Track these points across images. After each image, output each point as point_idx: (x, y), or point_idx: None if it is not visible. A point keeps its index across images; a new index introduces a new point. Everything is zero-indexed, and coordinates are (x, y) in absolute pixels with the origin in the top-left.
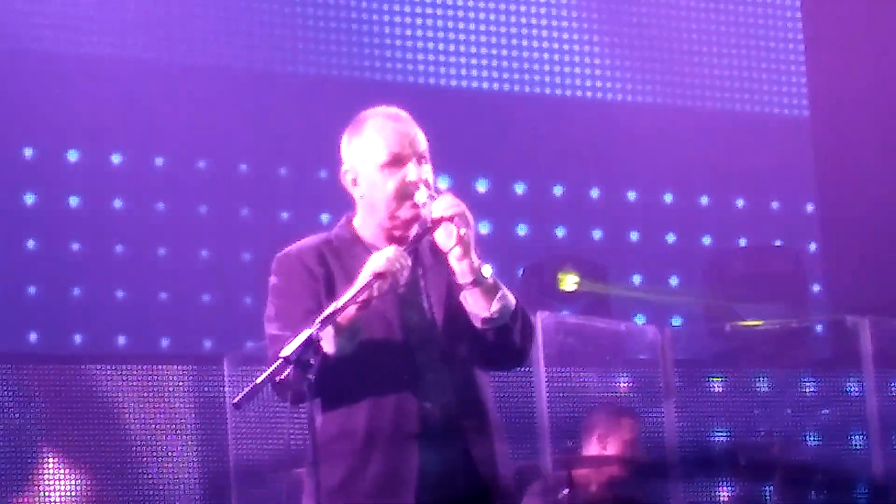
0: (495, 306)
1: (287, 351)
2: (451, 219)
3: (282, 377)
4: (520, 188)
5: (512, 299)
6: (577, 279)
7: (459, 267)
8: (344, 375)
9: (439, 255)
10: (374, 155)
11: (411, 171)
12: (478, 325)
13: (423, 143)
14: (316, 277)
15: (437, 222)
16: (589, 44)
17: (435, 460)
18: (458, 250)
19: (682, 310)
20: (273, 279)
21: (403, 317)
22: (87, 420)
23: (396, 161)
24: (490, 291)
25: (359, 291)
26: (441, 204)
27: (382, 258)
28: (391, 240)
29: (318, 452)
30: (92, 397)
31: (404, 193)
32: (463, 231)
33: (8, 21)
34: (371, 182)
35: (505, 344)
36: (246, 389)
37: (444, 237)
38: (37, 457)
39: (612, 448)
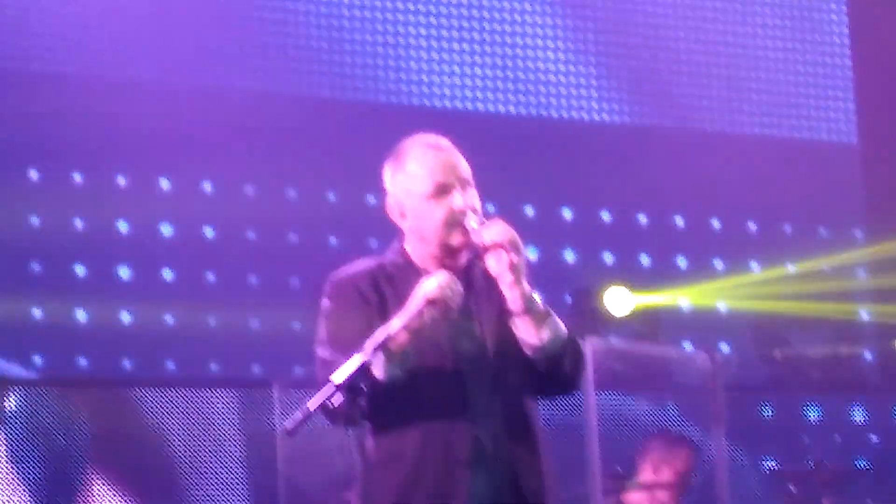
0: (546, 334)
1: (339, 376)
2: (501, 245)
3: (333, 403)
4: (567, 213)
5: (562, 327)
6: (627, 296)
7: (510, 294)
8: (395, 401)
9: (490, 282)
10: (419, 186)
11: (457, 199)
12: (528, 352)
13: (466, 169)
14: (368, 302)
15: (487, 249)
16: (638, 69)
17: (484, 487)
18: (508, 277)
19: (731, 336)
20: (325, 302)
21: (454, 343)
22: (134, 444)
23: (441, 190)
24: (541, 319)
25: (410, 317)
26: (492, 231)
27: (434, 284)
28: (443, 266)
29: (368, 477)
30: (139, 421)
31: (453, 221)
32: (514, 258)
33: (67, 44)
34: (418, 213)
35: (555, 371)
36: (298, 416)
37: (495, 264)
38: (84, 481)
39: (664, 476)
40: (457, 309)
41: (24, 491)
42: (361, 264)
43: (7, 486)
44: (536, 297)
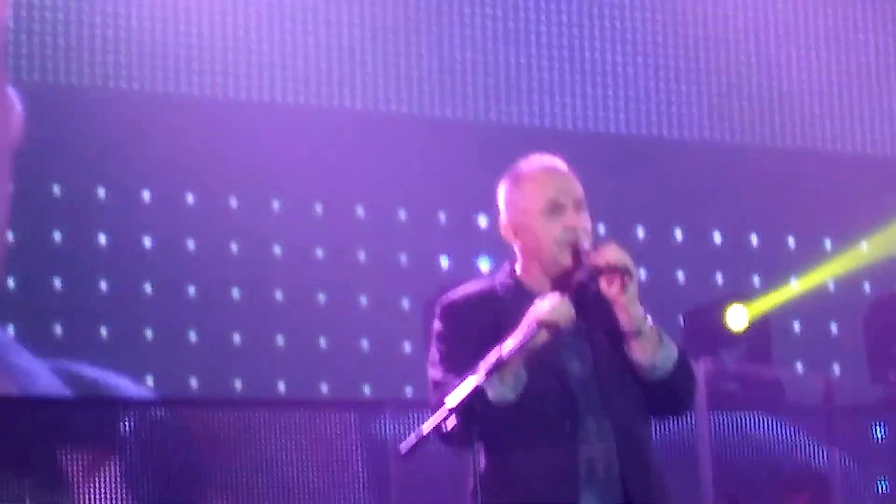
0: (658, 356)
1: (453, 400)
2: (615, 268)
3: (447, 426)
4: (678, 234)
5: (674, 348)
6: (745, 313)
7: (623, 316)
8: (507, 423)
9: (603, 303)
10: (535, 204)
11: (572, 219)
12: (641, 373)
13: (580, 190)
14: (481, 324)
15: (601, 271)
16: (746, 88)
17: None
18: (622, 300)
19: (843, 356)
20: (437, 324)
21: (566, 365)
22: (247, 465)
23: (557, 209)
24: (653, 341)
25: (523, 340)
26: (606, 254)
27: (546, 306)
28: (555, 288)
29: (481, 499)
30: (251, 442)
31: (567, 241)
32: (627, 280)
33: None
34: (532, 231)
35: (668, 393)
36: (413, 439)
37: (609, 286)
38: (198, 502)
39: None
40: (568, 331)
41: None
42: (473, 286)
43: None
44: (648, 319)
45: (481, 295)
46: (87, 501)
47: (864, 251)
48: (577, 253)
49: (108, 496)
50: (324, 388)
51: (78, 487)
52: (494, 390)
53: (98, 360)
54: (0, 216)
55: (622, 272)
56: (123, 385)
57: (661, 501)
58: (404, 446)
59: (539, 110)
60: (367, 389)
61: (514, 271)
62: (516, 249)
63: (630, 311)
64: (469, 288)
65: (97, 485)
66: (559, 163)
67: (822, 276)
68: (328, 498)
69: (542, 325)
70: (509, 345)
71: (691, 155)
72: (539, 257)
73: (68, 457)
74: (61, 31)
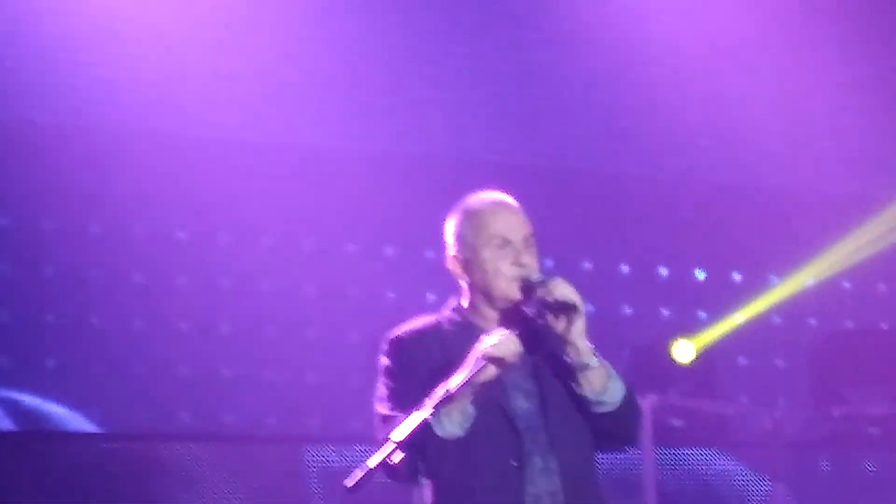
0: (606, 390)
1: (398, 434)
2: (563, 304)
3: (393, 460)
4: (624, 269)
5: (621, 383)
6: (691, 347)
7: (571, 351)
8: (453, 458)
9: (550, 339)
10: (484, 239)
11: (520, 255)
12: (588, 408)
13: (528, 226)
14: (427, 359)
15: (549, 306)
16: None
17: None
18: (570, 334)
19: (789, 392)
20: (383, 359)
21: (512, 401)
22: (191, 499)
23: (506, 245)
24: (600, 376)
25: (470, 375)
26: (555, 289)
27: (493, 342)
28: (502, 323)
29: None
30: (195, 476)
31: (515, 276)
32: (575, 315)
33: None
34: (481, 266)
35: (615, 426)
36: (359, 473)
37: (556, 322)
38: None
39: None
40: (515, 367)
41: None
42: (419, 321)
43: None
44: (596, 353)
45: (427, 330)
46: None
47: (803, 280)
48: (525, 288)
49: None
50: (270, 420)
51: None
52: (441, 426)
53: (42, 391)
54: None
55: (570, 308)
56: (65, 416)
57: None
58: (350, 480)
59: (487, 145)
60: (314, 422)
61: (461, 306)
62: (463, 284)
63: (578, 345)
64: (415, 323)
65: None
66: (509, 199)
67: (764, 305)
68: None
69: (488, 360)
70: (456, 380)
71: (638, 190)
72: (486, 292)
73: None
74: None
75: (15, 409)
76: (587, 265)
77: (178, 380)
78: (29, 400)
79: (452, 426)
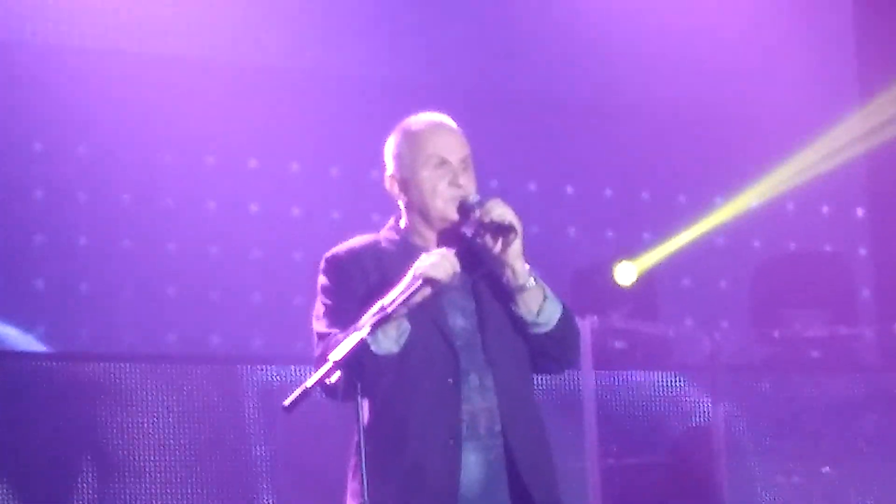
0: (543, 311)
1: (336, 353)
2: (500, 225)
3: (331, 379)
4: (570, 189)
5: (559, 303)
6: (634, 269)
7: (507, 272)
8: (391, 376)
9: (488, 259)
10: (422, 160)
11: (459, 176)
12: (525, 329)
13: (467, 147)
14: (365, 278)
15: (486, 227)
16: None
17: (477, 464)
18: (506, 255)
19: (731, 314)
20: (322, 278)
21: (449, 320)
22: (131, 419)
23: (444, 165)
24: (537, 296)
25: (405, 293)
26: (492, 210)
27: (429, 261)
28: (440, 243)
29: (364, 451)
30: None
31: (454, 197)
32: (512, 236)
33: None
34: (418, 186)
35: (551, 348)
36: (296, 392)
37: (493, 241)
38: (79, 457)
39: None
40: (452, 285)
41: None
42: (357, 241)
43: None
44: (533, 274)
45: (365, 249)
46: None
47: (747, 201)
48: (463, 208)
49: None
50: (213, 340)
51: None
52: (377, 343)
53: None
54: None
55: (507, 229)
56: (10, 335)
57: (543, 457)
58: (289, 399)
59: (432, 67)
60: (256, 342)
61: (399, 226)
62: (401, 204)
63: (514, 266)
64: (353, 242)
65: None
66: (448, 120)
67: (708, 226)
68: (213, 452)
69: (423, 279)
70: (392, 297)
71: (584, 112)
72: (424, 212)
73: None
74: None
75: None
76: (532, 186)
77: (122, 299)
78: None
79: (388, 342)
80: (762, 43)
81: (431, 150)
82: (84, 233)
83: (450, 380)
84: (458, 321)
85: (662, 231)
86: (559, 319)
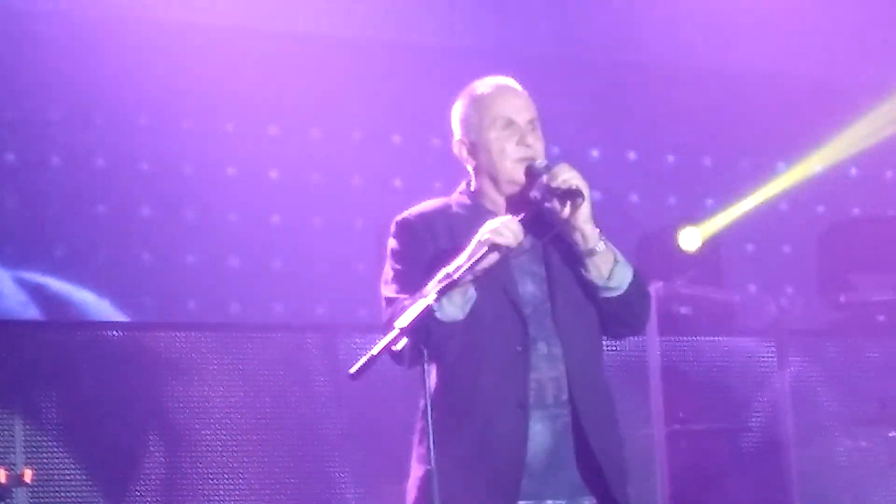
0: (614, 275)
1: (402, 321)
2: (568, 189)
3: (397, 346)
4: (632, 155)
5: (629, 267)
6: (698, 235)
7: (577, 236)
8: (458, 343)
9: (557, 223)
10: (489, 121)
11: (527, 136)
12: (596, 293)
13: (534, 110)
14: (435, 242)
15: (554, 191)
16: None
17: (544, 431)
18: (575, 219)
19: (796, 279)
20: (392, 242)
21: (518, 286)
22: (199, 387)
23: (511, 125)
24: (607, 260)
25: (471, 259)
26: (560, 174)
27: (493, 226)
28: (509, 207)
29: (431, 417)
30: (204, 364)
31: (520, 157)
32: (580, 200)
33: None
34: (486, 148)
35: (622, 312)
36: (363, 359)
37: (562, 206)
38: (151, 424)
39: None
40: (520, 251)
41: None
42: (428, 205)
43: None
44: (603, 238)
45: (436, 212)
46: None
47: (811, 166)
48: (530, 171)
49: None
50: (277, 309)
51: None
52: (442, 309)
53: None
54: None
55: (575, 192)
56: (88, 300)
57: (609, 426)
58: (355, 367)
59: (496, 34)
60: (320, 311)
61: (470, 190)
62: (470, 169)
63: (584, 230)
64: (424, 206)
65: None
66: (514, 83)
67: (772, 192)
68: (282, 420)
69: (489, 245)
70: (458, 263)
71: (645, 78)
72: (493, 175)
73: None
74: None
75: (34, 290)
76: (594, 153)
77: (186, 269)
78: (49, 281)
79: (454, 308)
80: (828, 7)
81: (498, 111)
82: (148, 203)
83: (518, 348)
84: (529, 287)
85: (725, 197)
86: (630, 283)
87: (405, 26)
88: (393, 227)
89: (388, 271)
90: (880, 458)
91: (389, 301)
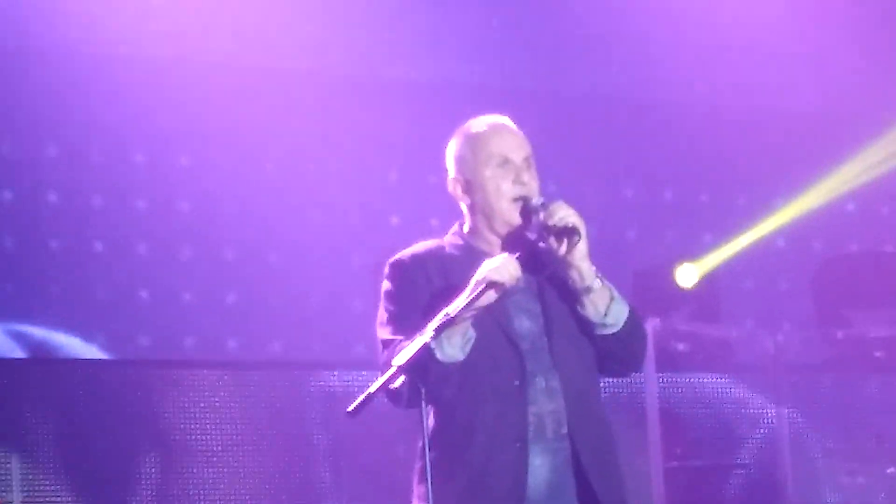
0: (610, 312)
1: (400, 359)
2: (564, 227)
3: (395, 385)
4: (629, 192)
5: (625, 305)
6: (695, 271)
7: (573, 274)
8: (456, 381)
9: (553, 262)
10: (484, 159)
11: (522, 173)
12: (592, 330)
13: (528, 149)
14: (429, 284)
15: (550, 229)
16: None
17: (543, 467)
18: (571, 256)
19: (793, 315)
20: (387, 284)
21: (515, 323)
22: (196, 424)
23: (506, 164)
24: (604, 298)
25: (470, 299)
26: (556, 212)
27: (492, 265)
28: (504, 247)
29: (429, 456)
30: (201, 401)
31: (515, 196)
32: (576, 238)
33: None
34: (481, 187)
35: (618, 350)
36: (360, 397)
37: (558, 244)
38: (145, 461)
39: None
40: (517, 289)
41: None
42: (422, 246)
43: None
44: (599, 275)
45: (430, 254)
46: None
47: (807, 203)
48: (526, 209)
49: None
50: (275, 346)
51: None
52: (442, 349)
53: (47, 320)
54: None
55: (572, 230)
56: (73, 345)
57: (609, 460)
58: (353, 405)
59: (490, 70)
60: (317, 348)
61: (463, 231)
62: (464, 208)
63: (580, 268)
64: (417, 247)
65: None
66: (508, 121)
67: (769, 228)
68: (278, 457)
69: (488, 284)
70: (457, 303)
71: (643, 114)
72: (487, 214)
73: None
74: None
75: (25, 341)
76: (591, 189)
77: (183, 306)
78: (38, 332)
79: (453, 349)
80: (823, 45)
81: (493, 149)
82: (145, 240)
83: (516, 382)
84: (525, 323)
85: (723, 233)
86: (626, 321)
87: (402, 63)
88: (387, 269)
89: (382, 313)
90: (878, 494)
91: (385, 343)
